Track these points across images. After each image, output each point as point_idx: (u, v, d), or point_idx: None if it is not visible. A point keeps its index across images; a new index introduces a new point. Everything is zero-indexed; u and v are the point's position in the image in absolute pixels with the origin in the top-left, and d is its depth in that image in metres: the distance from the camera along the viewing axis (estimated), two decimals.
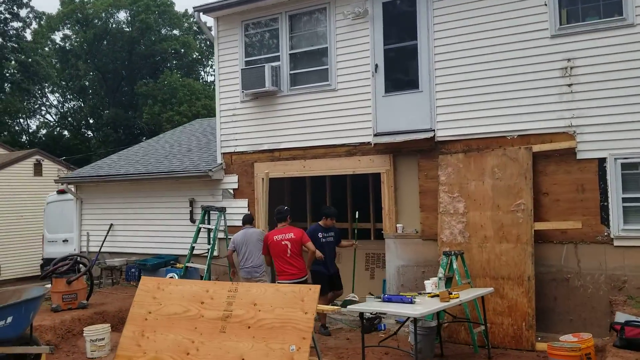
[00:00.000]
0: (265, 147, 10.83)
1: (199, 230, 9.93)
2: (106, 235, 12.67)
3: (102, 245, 12.61)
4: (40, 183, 18.29)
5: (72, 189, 13.45)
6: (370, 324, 8.68)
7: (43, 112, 37.62)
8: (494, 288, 7.91)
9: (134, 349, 6.83)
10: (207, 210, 10.13)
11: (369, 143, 9.71)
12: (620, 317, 6.81)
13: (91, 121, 36.88)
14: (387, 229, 9.65)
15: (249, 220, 9.57)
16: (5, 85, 33.28)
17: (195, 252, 10.47)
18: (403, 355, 7.06)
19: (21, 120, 36.55)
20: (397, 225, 9.56)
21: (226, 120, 11.28)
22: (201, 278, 9.94)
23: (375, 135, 9.60)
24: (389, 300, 6.68)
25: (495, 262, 8.21)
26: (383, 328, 8.79)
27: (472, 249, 8.44)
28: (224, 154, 11.31)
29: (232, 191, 11.18)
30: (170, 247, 11.85)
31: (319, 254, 8.38)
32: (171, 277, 9.45)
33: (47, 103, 37.63)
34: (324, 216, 8.97)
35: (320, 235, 8.76)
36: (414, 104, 9.33)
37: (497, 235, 8.29)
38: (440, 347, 7.52)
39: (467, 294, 7.06)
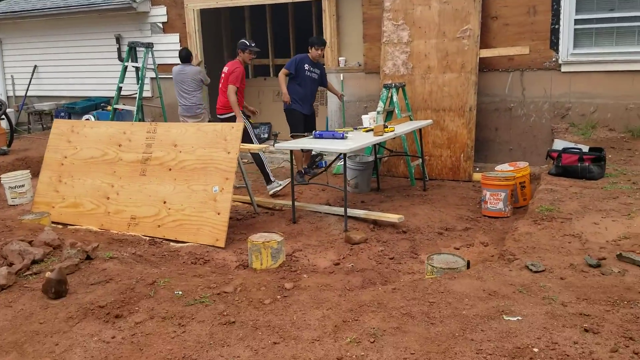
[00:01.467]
0: None
1: (125, 69, 9.11)
2: (31, 78, 11.72)
3: (27, 89, 11.72)
4: None
5: None
6: (311, 161, 8.42)
7: None
8: (435, 120, 7.59)
9: (52, 195, 6.50)
10: (132, 47, 9.22)
11: None
12: (559, 144, 6.58)
13: None
14: (329, 62, 9.01)
15: (183, 56, 8.41)
16: None
17: (126, 93, 9.75)
18: (339, 191, 6.85)
19: None
20: (340, 58, 8.94)
21: None
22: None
23: None
24: (319, 136, 6.30)
25: (437, 93, 7.77)
26: (324, 165, 8.55)
27: (415, 80, 7.94)
28: None
29: (160, 25, 10.18)
30: (100, 89, 11.04)
31: (285, 97, 7.44)
32: (87, 120, 8.81)
33: None
34: (311, 45, 7.52)
35: (306, 67, 7.52)
36: None
37: (441, 65, 7.76)
38: (377, 182, 7.34)
39: (404, 127, 6.70)
